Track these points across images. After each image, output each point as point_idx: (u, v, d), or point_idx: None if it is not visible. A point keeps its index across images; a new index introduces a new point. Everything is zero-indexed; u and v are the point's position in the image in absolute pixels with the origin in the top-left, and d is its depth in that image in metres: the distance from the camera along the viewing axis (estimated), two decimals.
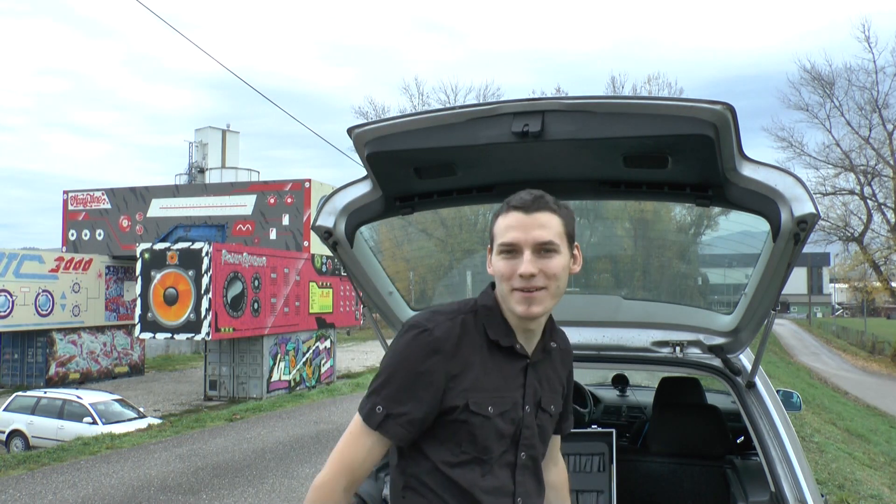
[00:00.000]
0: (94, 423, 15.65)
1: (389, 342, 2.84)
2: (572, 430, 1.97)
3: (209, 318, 19.86)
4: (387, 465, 2.78)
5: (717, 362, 2.66)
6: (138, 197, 27.68)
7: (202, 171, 43.63)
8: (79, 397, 16.91)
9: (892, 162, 35.78)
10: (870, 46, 35.19)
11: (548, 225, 1.52)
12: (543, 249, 1.51)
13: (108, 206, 28.10)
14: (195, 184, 36.24)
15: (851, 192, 37.67)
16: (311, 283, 24.71)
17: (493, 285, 1.61)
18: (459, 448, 1.51)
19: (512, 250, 1.52)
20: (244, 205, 26.11)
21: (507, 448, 1.55)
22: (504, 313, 1.57)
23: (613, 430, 3.06)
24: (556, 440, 1.88)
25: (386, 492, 2.68)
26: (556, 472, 1.92)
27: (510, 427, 1.55)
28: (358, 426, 1.52)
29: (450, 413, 1.49)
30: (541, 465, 1.67)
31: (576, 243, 1.62)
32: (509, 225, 1.53)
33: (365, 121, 2.06)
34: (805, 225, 1.81)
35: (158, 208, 27.35)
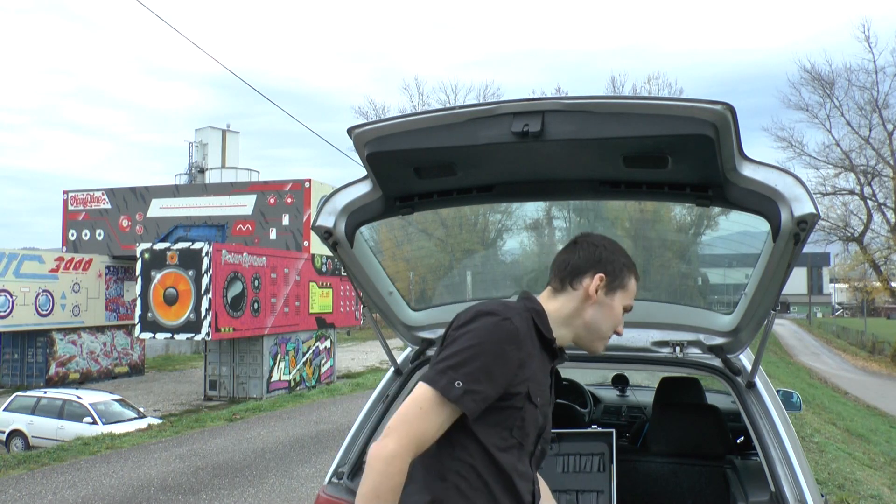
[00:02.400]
0: (94, 423, 15.66)
1: (390, 342, 2.86)
2: (573, 430, 2.00)
3: (209, 318, 19.86)
4: None
5: (717, 362, 2.66)
6: (138, 197, 27.68)
7: (202, 171, 43.64)
8: (79, 397, 16.91)
9: (892, 162, 35.78)
10: (870, 46, 35.25)
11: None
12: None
13: (108, 206, 28.11)
14: (195, 184, 36.25)
15: (851, 192, 37.68)
16: (311, 283, 24.71)
17: (522, 294, 1.76)
18: (510, 433, 1.61)
19: (625, 311, 1.77)
20: (244, 205, 26.12)
21: (533, 440, 1.68)
22: (549, 320, 1.72)
23: (613, 430, 3.06)
24: None
25: None
26: None
27: (543, 420, 1.69)
28: (430, 399, 1.54)
29: (509, 399, 1.58)
30: None
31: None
32: (635, 292, 1.78)
33: (365, 121, 2.06)
34: (805, 225, 1.81)
35: (158, 208, 27.35)
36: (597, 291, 1.71)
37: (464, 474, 1.59)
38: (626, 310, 1.77)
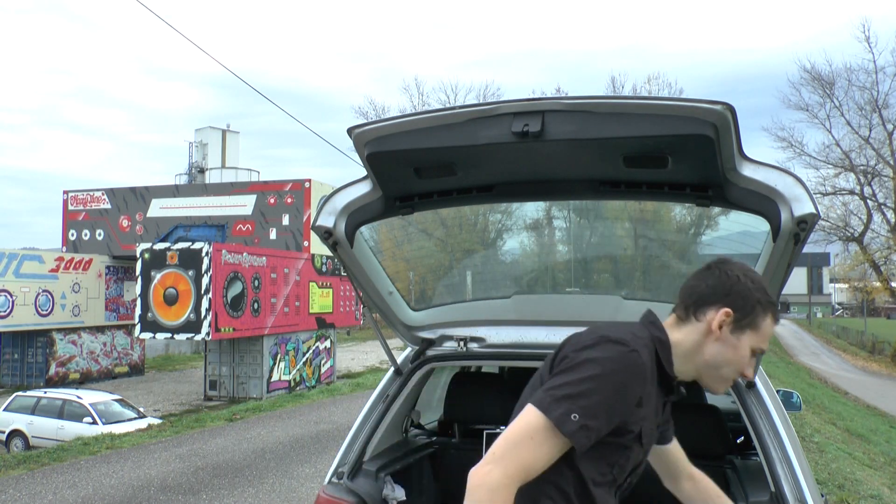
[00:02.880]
0: (94, 423, 15.65)
1: (390, 342, 2.86)
2: None
3: (209, 318, 19.86)
4: (386, 465, 2.78)
5: None
6: (138, 197, 27.68)
7: (202, 171, 43.63)
8: (79, 397, 16.91)
9: (892, 162, 35.77)
10: (870, 46, 35.23)
11: None
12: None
13: (108, 206, 28.10)
14: (195, 184, 36.24)
15: (851, 192, 37.68)
16: (311, 283, 24.71)
17: (654, 315, 1.64)
18: (610, 469, 1.52)
19: (756, 354, 1.59)
20: (244, 205, 26.11)
21: (623, 479, 1.60)
22: (671, 351, 1.60)
23: None
24: (670, 448, 1.97)
25: (386, 492, 2.68)
26: (693, 482, 2.02)
27: (643, 456, 1.61)
28: (543, 429, 1.41)
29: (620, 435, 1.48)
30: None
31: None
32: (770, 335, 1.58)
33: (365, 121, 2.06)
34: (805, 225, 1.81)
35: (158, 208, 27.35)
36: (720, 327, 1.54)
37: (555, 499, 1.50)
38: (757, 352, 1.58)
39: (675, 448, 1.97)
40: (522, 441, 1.41)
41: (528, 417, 1.43)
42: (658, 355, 1.55)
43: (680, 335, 1.59)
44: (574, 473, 1.49)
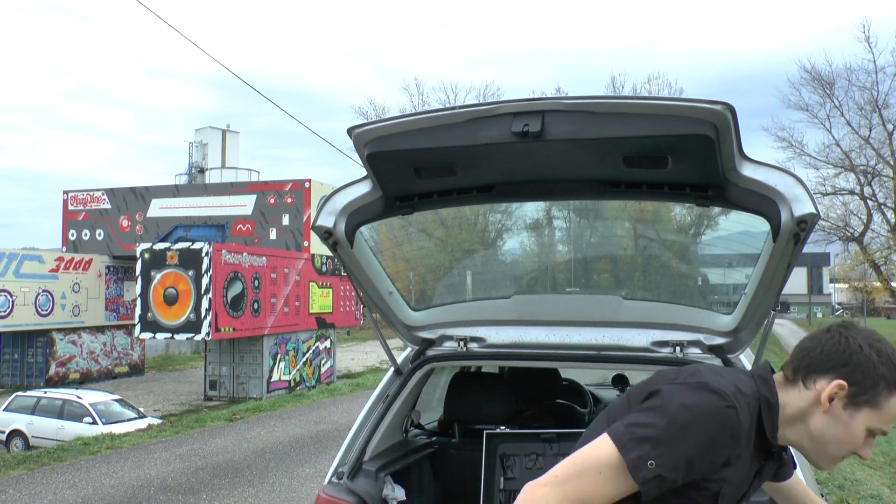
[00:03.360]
0: (94, 423, 15.66)
1: (390, 342, 2.86)
2: (573, 431, 1.96)
3: (209, 318, 19.86)
4: (386, 465, 2.78)
5: (717, 362, 2.65)
6: (138, 197, 27.68)
7: (202, 171, 43.63)
8: (79, 397, 16.91)
9: (892, 162, 35.77)
10: (870, 46, 35.14)
11: None
12: None
13: (108, 206, 28.10)
14: (195, 184, 36.23)
15: (851, 192, 37.64)
16: (311, 283, 24.71)
17: (770, 369, 1.47)
18: None
19: (877, 434, 1.39)
20: (244, 205, 26.12)
21: None
22: (774, 418, 1.42)
23: None
24: (790, 484, 1.85)
25: (386, 492, 2.68)
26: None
27: None
28: (614, 467, 1.30)
29: (695, 489, 1.36)
30: None
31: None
32: (894, 417, 1.36)
33: (365, 121, 2.06)
34: (805, 225, 1.81)
35: (158, 208, 27.35)
36: (830, 401, 1.36)
37: None
38: (876, 433, 1.38)
39: (795, 484, 1.86)
40: (589, 472, 1.31)
41: (602, 449, 1.31)
42: (761, 416, 1.40)
43: (785, 398, 1.42)
44: None
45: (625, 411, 1.43)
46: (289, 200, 25.53)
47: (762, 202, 1.88)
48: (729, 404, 1.31)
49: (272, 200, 25.79)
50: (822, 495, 2.52)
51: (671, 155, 1.86)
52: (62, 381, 24.46)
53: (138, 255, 20.66)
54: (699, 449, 1.29)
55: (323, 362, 25.98)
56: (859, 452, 1.39)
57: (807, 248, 2.16)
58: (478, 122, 1.84)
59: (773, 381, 1.44)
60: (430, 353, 2.88)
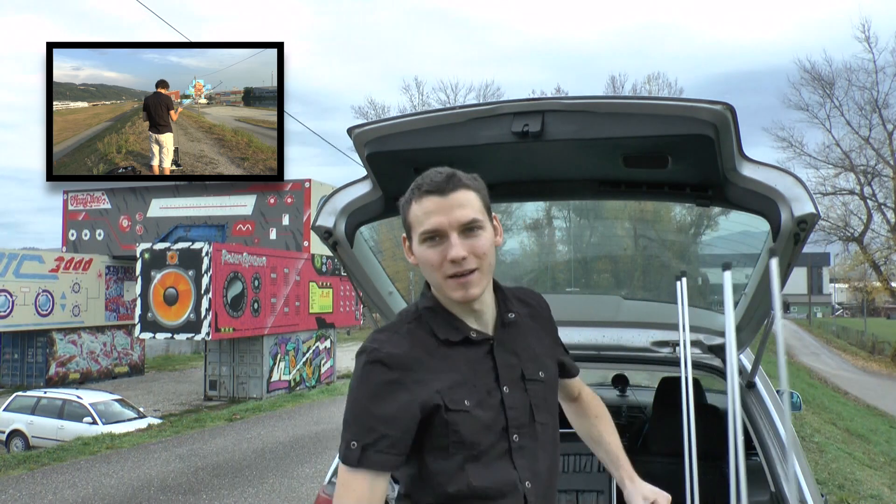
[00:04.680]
0: (94, 423, 15.64)
1: None
2: (572, 430, 1.96)
3: (209, 318, 19.85)
4: None
5: (717, 362, 2.66)
6: (138, 197, 27.67)
7: None
8: (79, 397, 16.90)
9: (892, 162, 35.78)
10: (870, 46, 35.16)
11: (468, 203, 1.46)
12: (468, 229, 1.45)
13: (108, 206, 28.10)
14: (195, 184, 36.23)
15: (851, 192, 37.66)
16: (311, 283, 24.71)
17: (428, 285, 1.55)
18: (448, 452, 1.43)
19: (435, 236, 1.45)
20: (244, 205, 26.11)
21: (497, 438, 1.47)
22: (447, 306, 1.52)
23: None
24: (573, 383, 1.85)
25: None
26: (587, 405, 1.90)
27: (491, 414, 1.47)
28: (343, 472, 1.41)
29: (430, 418, 1.43)
30: (549, 432, 1.61)
31: (494, 214, 1.56)
32: (428, 210, 1.45)
33: (365, 121, 2.06)
34: (805, 225, 1.81)
35: (158, 208, 27.35)
36: (411, 254, 1.54)
37: None
38: (436, 233, 1.46)
39: (603, 432, 1.91)
40: (338, 494, 1.46)
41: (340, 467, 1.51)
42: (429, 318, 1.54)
43: None
44: (428, 486, 1.49)
45: None
46: (289, 200, 25.53)
47: (762, 202, 1.88)
48: (368, 351, 1.45)
49: (272, 200, 25.78)
50: (823, 495, 2.51)
51: (671, 155, 1.86)
52: (62, 382, 24.46)
53: (138, 255, 20.65)
54: (370, 398, 1.41)
55: (323, 362, 25.98)
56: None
57: (807, 248, 2.16)
58: (478, 122, 1.85)
59: (428, 290, 1.55)
60: None
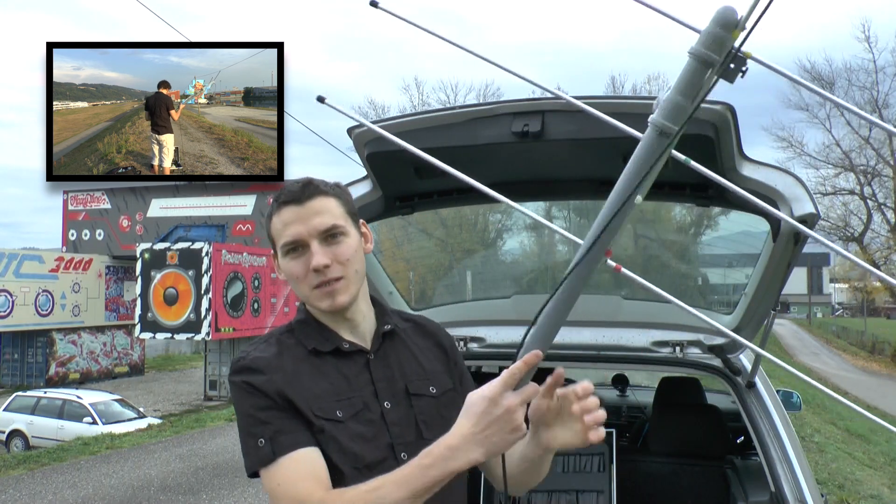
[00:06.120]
0: (94, 423, 15.65)
1: None
2: None
3: (209, 318, 19.87)
4: None
5: (717, 362, 2.66)
6: (138, 197, 27.67)
7: None
8: (79, 397, 16.91)
9: (892, 162, 35.80)
10: (870, 46, 35.17)
11: (326, 210, 1.43)
12: (329, 236, 1.42)
13: (108, 206, 28.10)
14: (195, 184, 36.23)
15: (851, 192, 37.68)
16: None
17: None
18: (331, 462, 1.36)
19: (297, 247, 1.42)
20: (244, 205, 26.12)
21: (384, 454, 1.39)
22: (319, 319, 1.48)
23: (613, 430, 3.06)
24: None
25: None
26: None
27: (370, 429, 1.40)
28: (269, 474, 1.34)
29: (311, 427, 1.37)
30: None
31: (361, 220, 1.53)
32: (286, 221, 1.43)
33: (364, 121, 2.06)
34: (805, 225, 1.81)
35: (158, 208, 27.35)
36: (279, 268, 1.52)
37: None
38: (297, 244, 1.44)
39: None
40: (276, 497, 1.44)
41: (265, 487, 1.43)
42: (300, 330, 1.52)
43: None
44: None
45: None
46: None
47: (762, 202, 1.88)
48: (237, 360, 1.45)
49: (272, 200, 25.79)
50: (823, 495, 2.51)
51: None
52: (62, 381, 24.46)
53: (138, 255, 20.68)
54: (251, 401, 1.38)
55: None
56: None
57: (807, 248, 2.16)
58: (478, 122, 1.85)
59: (303, 305, 1.52)
60: None
